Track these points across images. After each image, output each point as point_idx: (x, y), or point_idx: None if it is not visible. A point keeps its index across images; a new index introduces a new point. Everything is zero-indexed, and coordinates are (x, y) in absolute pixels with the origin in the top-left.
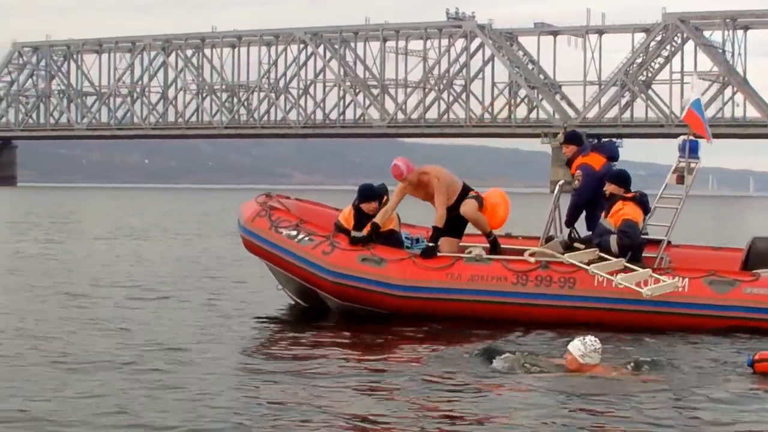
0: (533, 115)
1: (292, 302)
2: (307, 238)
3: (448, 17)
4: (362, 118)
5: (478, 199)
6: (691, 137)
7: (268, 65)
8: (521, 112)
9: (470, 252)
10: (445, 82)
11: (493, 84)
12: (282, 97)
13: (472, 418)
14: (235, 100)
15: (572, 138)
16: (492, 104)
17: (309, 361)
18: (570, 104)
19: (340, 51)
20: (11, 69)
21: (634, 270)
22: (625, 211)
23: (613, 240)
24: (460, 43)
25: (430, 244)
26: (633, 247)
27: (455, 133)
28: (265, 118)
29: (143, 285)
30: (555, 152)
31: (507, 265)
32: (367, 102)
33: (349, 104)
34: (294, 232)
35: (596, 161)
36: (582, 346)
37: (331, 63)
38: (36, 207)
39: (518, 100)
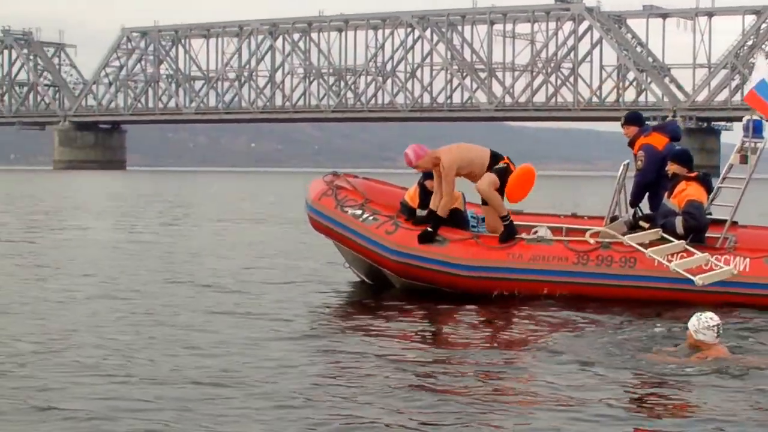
0: (642, 98)
1: (359, 279)
2: (371, 218)
3: (556, 0)
4: (469, 101)
5: (505, 171)
6: (755, 117)
7: (375, 49)
8: (630, 95)
9: (536, 231)
10: (552, 65)
11: (602, 67)
12: (389, 81)
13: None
14: (342, 83)
15: (633, 119)
16: (600, 87)
17: (374, 339)
18: (679, 87)
19: (447, 34)
20: (120, 54)
21: (693, 253)
22: (689, 191)
23: (678, 221)
24: (568, 26)
25: (428, 230)
26: (698, 228)
27: (563, 117)
28: (372, 101)
29: (248, 270)
30: None
31: (568, 245)
32: (475, 85)
33: (456, 88)
34: (359, 212)
35: (658, 141)
36: (696, 322)
37: (438, 46)
38: (146, 190)
39: (627, 83)
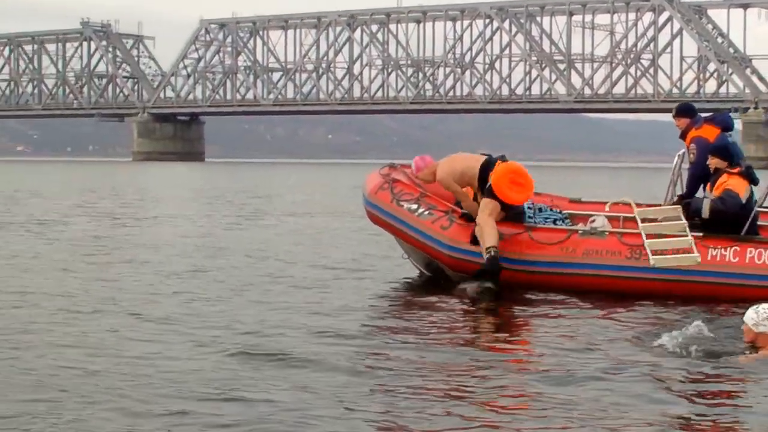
0: (723, 89)
1: (417, 271)
2: (426, 212)
3: None
4: (548, 93)
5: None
6: None
7: (453, 40)
8: (710, 86)
9: (593, 221)
10: (632, 56)
11: (682, 58)
12: (467, 72)
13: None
14: (420, 75)
15: (684, 110)
16: (680, 79)
17: (429, 332)
18: (761, 79)
19: (526, 25)
20: (198, 46)
21: (689, 236)
22: (729, 182)
23: (705, 203)
24: (647, 17)
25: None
26: (727, 214)
27: (643, 108)
28: (451, 93)
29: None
30: (746, 128)
31: (621, 239)
32: (554, 77)
33: (535, 79)
34: (415, 206)
35: (710, 133)
36: (755, 314)
37: (517, 38)
38: (225, 182)
39: (707, 74)
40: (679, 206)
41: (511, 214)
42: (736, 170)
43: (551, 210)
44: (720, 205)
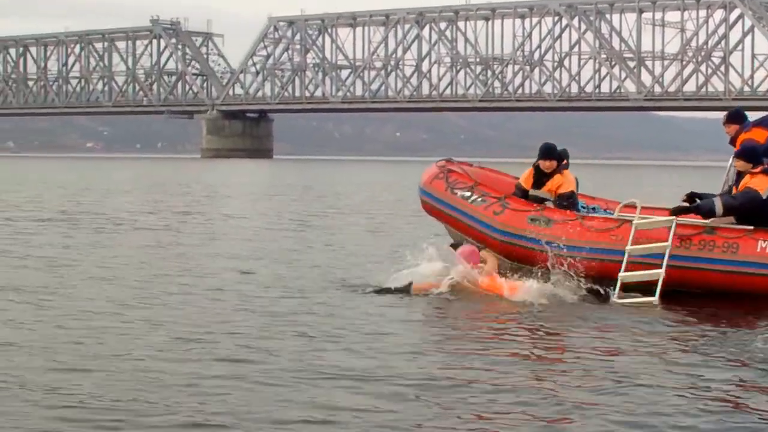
0: None
1: None
2: (480, 199)
3: None
4: (618, 91)
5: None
6: None
7: (522, 38)
8: None
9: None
10: (703, 54)
11: (753, 56)
12: (536, 70)
13: None
14: (489, 73)
15: (733, 117)
16: (752, 77)
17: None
18: None
19: (595, 23)
20: (267, 43)
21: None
22: (750, 182)
23: (717, 200)
24: (718, 14)
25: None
26: (741, 209)
27: (714, 107)
28: (519, 91)
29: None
30: None
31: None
32: (623, 75)
33: (604, 77)
34: (468, 193)
35: (760, 135)
36: None
37: (587, 35)
38: (295, 179)
39: None
40: (673, 218)
41: (569, 203)
42: (758, 170)
43: (605, 211)
44: (732, 200)
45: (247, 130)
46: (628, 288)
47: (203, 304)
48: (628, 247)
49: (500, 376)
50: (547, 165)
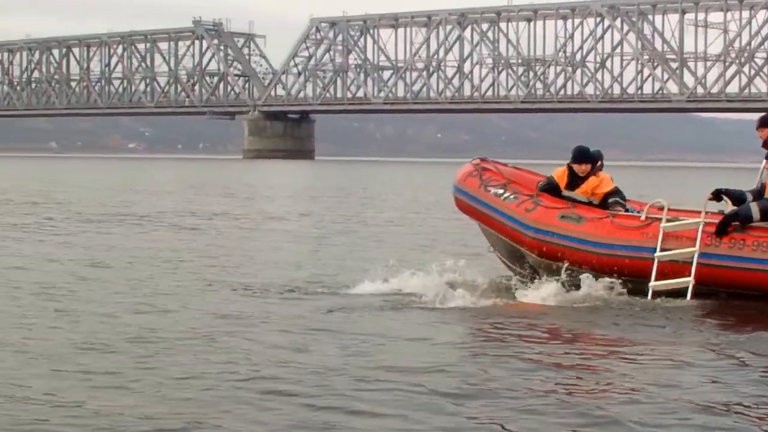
0: None
1: (503, 264)
2: (512, 197)
3: None
4: (660, 92)
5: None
6: None
7: (564, 39)
8: None
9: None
10: (746, 55)
11: None
12: (578, 71)
13: None
14: (531, 74)
15: (766, 121)
16: None
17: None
18: None
19: (637, 24)
20: (309, 44)
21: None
22: None
23: (753, 206)
24: (761, 15)
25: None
26: None
27: (757, 108)
28: (561, 92)
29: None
30: None
31: (703, 228)
32: (666, 76)
33: (647, 78)
34: (501, 191)
35: None
36: None
37: (629, 36)
38: (338, 180)
39: None
40: (701, 220)
41: (620, 196)
42: None
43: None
44: (766, 203)
45: (288, 131)
46: (658, 296)
47: (243, 309)
48: (657, 254)
49: (533, 380)
50: (582, 169)
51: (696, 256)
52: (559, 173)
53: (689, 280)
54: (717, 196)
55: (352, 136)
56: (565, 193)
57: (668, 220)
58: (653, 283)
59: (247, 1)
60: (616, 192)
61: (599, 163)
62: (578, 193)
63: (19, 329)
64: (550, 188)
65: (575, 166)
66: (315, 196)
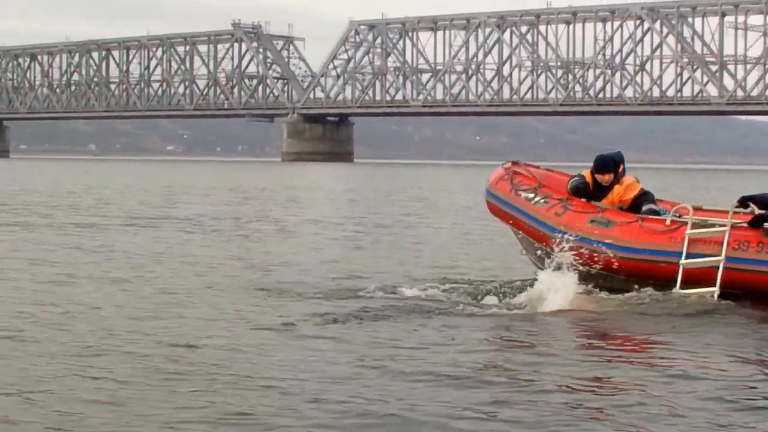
0: None
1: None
2: (542, 200)
3: None
4: (700, 95)
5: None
6: None
7: (603, 41)
8: None
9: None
10: None
11: None
12: (618, 74)
13: None
14: (570, 76)
15: None
16: None
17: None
18: None
19: (677, 27)
20: (348, 47)
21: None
22: None
23: None
24: None
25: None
26: None
27: None
28: (600, 95)
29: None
30: None
31: (730, 231)
32: (705, 78)
33: (686, 81)
34: (531, 195)
35: None
36: None
37: (668, 39)
38: (381, 183)
39: None
40: (727, 228)
41: (650, 198)
42: None
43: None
44: None
45: (327, 134)
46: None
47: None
48: (683, 261)
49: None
50: (605, 179)
51: (722, 264)
52: (588, 176)
53: (714, 290)
54: (743, 203)
55: (390, 139)
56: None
57: (694, 224)
58: (677, 291)
59: (286, 4)
60: (644, 194)
61: (621, 168)
62: (604, 204)
63: (41, 327)
64: (581, 190)
65: (598, 176)
66: (358, 199)
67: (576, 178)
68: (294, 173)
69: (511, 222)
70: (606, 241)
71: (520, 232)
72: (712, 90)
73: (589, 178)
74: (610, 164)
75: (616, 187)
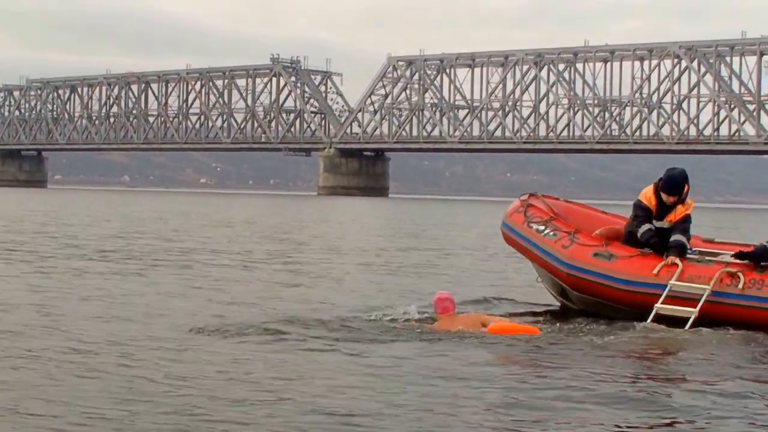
0: None
1: (549, 296)
2: (552, 233)
3: None
4: (737, 134)
5: None
6: None
7: (640, 80)
8: None
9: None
10: None
11: None
12: (654, 112)
13: None
14: (607, 114)
15: None
16: None
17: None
18: None
19: (715, 66)
20: (386, 83)
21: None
22: None
23: None
24: None
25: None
26: None
27: None
28: (637, 133)
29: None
30: None
31: (726, 267)
32: (742, 118)
33: (723, 120)
34: (542, 227)
35: None
36: None
37: (706, 78)
38: (417, 217)
39: None
40: (722, 267)
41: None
42: None
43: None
44: None
45: (363, 169)
46: (660, 319)
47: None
48: (672, 281)
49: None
50: (670, 200)
51: (706, 294)
52: (648, 195)
53: (694, 311)
54: (740, 257)
55: (423, 174)
56: (657, 224)
57: (682, 271)
58: (659, 305)
59: (324, 39)
60: (684, 221)
61: (686, 189)
62: (665, 222)
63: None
64: (643, 217)
65: (664, 195)
66: (399, 235)
67: (642, 224)
68: (334, 208)
69: (524, 253)
70: (606, 273)
71: (531, 262)
72: (749, 129)
73: (647, 200)
74: (681, 187)
75: (679, 207)
